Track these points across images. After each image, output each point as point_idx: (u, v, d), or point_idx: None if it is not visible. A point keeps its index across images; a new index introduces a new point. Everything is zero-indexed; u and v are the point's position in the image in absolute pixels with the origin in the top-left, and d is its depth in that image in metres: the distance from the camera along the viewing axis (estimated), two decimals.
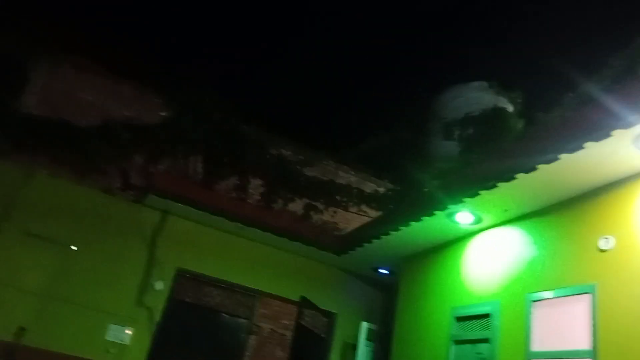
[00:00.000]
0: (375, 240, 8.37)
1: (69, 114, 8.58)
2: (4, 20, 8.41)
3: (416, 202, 7.42)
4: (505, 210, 6.48)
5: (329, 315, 9.75)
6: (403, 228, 7.62)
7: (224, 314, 9.04)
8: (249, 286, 9.26)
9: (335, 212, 10.15)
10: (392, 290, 9.40)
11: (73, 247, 8.03)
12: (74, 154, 8.38)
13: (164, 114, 9.23)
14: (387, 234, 8.00)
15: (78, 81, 8.85)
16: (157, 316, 8.32)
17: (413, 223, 7.38)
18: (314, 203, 10.01)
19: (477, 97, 9.54)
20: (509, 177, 5.59)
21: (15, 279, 7.62)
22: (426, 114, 10.33)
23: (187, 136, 9.23)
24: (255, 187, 9.55)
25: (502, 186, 5.79)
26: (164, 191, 8.37)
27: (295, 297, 9.31)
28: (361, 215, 10.22)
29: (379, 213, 9.98)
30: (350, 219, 10.08)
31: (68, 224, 8.07)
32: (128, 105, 8.96)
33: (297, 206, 9.86)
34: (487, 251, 6.96)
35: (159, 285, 8.37)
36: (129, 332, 8.05)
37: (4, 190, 7.78)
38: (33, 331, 7.43)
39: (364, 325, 9.40)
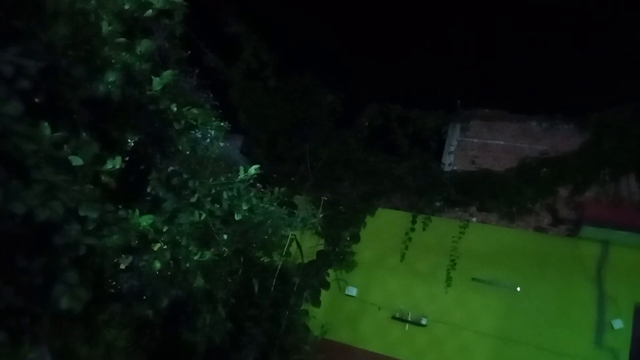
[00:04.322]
0: None
1: (486, 162, 9.17)
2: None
3: None
4: None
5: None
6: None
7: None
8: None
9: None
10: None
11: (517, 289, 8.18)
12: (499, 199, 8.78)
13: (579, 139, 8.66)
14: None
15: (488, 131, 9.42)
16: (623, 358, 7.36)
17: None
18: None
19: None
20: None
21: (470, 322, 8.32)
22: None
23: (611, 157, 8.30)
24: None
25: None
26: (599, 220, 7.66)
27: None
28: None
29: None
30: None
31: (506, 266, 8.35)
32: (539, 140, 8.88)
33: None
34: None
35: (618, 324, 7.46)
36: None
37: (445, 243, 8.76)
38: None
39: None
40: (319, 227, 7.17)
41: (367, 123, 10.13)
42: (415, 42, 11.25)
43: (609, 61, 9.73)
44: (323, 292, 8.32)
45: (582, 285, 7.88)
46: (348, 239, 9.14)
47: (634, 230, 7.43)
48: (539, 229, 8.54)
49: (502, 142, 9.21)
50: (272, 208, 4.83)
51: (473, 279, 8.49)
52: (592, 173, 8.42)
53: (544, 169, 8.69)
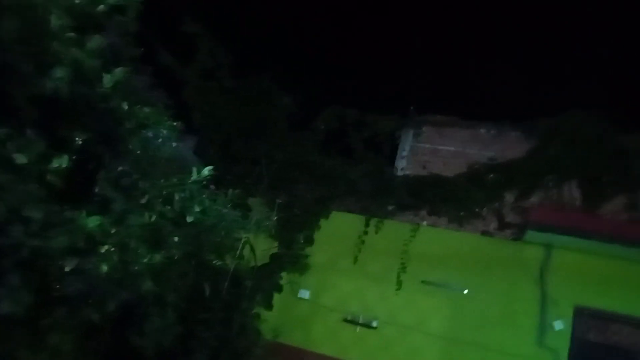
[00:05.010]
0: None
1: (437, 167, 9.42)
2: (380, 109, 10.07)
3: None
4: None
5: None
6: None
7: None
8: None
9: None
10: None
11: (465, 291, 8.43)
12: (448, 203, 9.02)
13: (526, 145, 9.01)
14: None
15: (439, 137, 9.68)
16: (563, 358, 7.72)
17: None
18: None
19: None
20: None
21: (420, 323, 8.53)
22: None
23: (556, 163, 8.69)
24: None
25: None
26: (542, 225, 8.00)
27: None
28: None
29: None
30: None
31: (455, 269, 8.60)
32: (488, 146, 9.20)
33: None
34: None
35: (559, 325, 7.82)
36: None
37: (397, 246, 8.91)
38: None
39: None
40: (273, 230, 7.17)
41: (323, 126, 10.19)
42: (372, 47, 11.44)
43: (557, 68, 10.17)
44: (276, 295, 8.28)
45: (526, 288, 8.20)
46: (302, 241, 9.15)
47: (575, 234, 7.78)
48: (485, 233, 8.86)
49: (452, 148, 9.49)
50: (226, 210, 4.79)
51: (423, 281, 8.69)
52: (537, 179, 8.77)
53: (492, 175, 8.99)
